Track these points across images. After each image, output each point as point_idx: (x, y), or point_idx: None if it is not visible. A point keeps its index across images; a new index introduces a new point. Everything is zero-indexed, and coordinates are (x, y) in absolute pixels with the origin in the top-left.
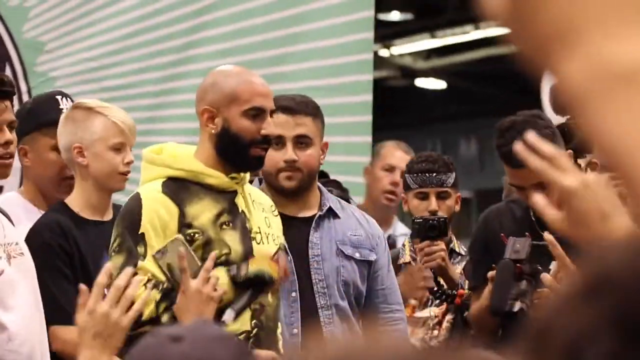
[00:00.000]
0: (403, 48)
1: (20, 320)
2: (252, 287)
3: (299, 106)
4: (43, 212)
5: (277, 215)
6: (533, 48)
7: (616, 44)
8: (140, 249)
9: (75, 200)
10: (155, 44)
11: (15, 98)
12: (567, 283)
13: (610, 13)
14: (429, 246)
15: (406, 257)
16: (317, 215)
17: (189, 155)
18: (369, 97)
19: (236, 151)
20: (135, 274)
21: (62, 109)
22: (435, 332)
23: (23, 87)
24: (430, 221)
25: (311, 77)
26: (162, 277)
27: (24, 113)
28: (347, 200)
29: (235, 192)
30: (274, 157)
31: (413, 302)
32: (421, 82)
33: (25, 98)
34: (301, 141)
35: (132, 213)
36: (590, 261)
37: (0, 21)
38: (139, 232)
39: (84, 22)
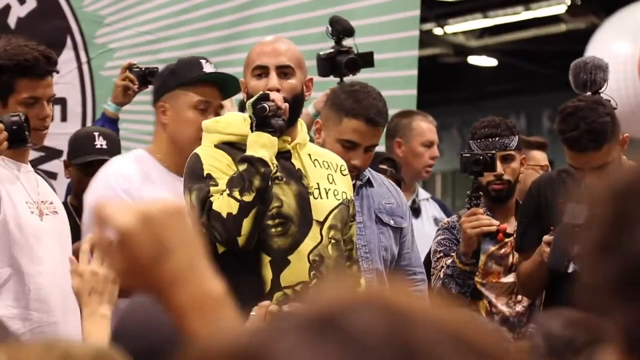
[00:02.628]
0: (456, 27)
1: (49, 273)
2: None
3: (382, 119)
4: (172, 173)
5: (346, 175)
6: None
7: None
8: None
9: None
10: (208, 20)
11: (75, 68)
12: None
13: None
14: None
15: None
16: (357, 185)
17: (239, 120)
18: (414, 72)
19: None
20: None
21: (205, 70)
22: (520, 297)
23: (83, 58)
24: (477, 155)
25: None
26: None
27: (167, 72)
28: (400, 180)
29: (289, 152)
30: (345, 155)
31: (498, 268)
32: (473, 60)
33: (85, 68)
34: (371, 149)
35: (193, 167)
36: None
37: None
38: (204, 175)
39: None
